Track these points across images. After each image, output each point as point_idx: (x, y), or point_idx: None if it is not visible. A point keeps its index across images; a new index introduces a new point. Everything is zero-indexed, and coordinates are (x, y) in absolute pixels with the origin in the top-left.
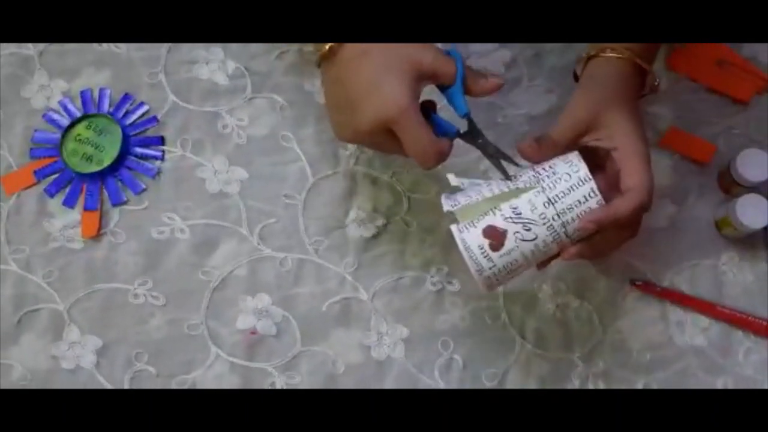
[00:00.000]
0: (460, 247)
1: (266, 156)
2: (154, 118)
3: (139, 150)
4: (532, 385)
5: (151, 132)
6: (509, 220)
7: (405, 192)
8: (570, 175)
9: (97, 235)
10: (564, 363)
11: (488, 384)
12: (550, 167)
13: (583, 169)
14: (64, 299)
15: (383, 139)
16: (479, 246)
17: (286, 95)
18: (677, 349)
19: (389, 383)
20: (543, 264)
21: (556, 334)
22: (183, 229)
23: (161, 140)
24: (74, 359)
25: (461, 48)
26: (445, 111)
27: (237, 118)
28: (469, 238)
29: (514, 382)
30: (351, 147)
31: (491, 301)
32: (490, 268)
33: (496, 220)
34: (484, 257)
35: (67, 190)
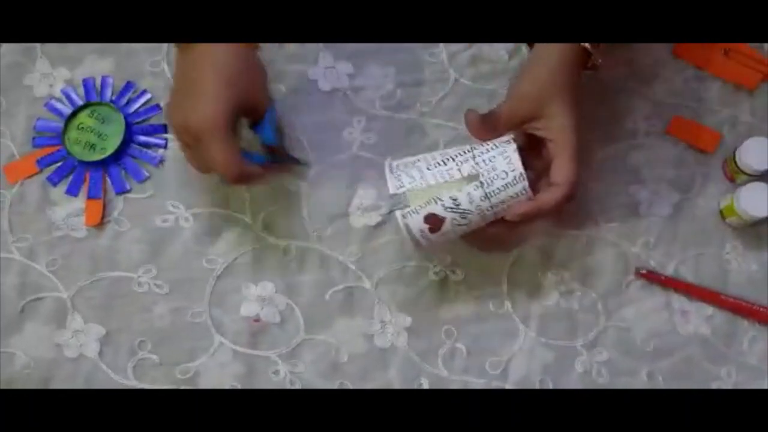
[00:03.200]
0: (403, 230)
1: None
2: (157, 106)
3: (142, 138)
4: (536, 373)
5: (154, 120)
6: (449, 210)
7: None
8: (507, 173)
9: (101, 224)
10: (568, 351)
11: (492, 372)
12: (490, 161)
13: (518, 169)
14: (68, 288)
15: (192, 142)
16: (420, 230)
17: (289, 83)
18: (681, 338)
19: (393, 372)
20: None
21: (560, 322)
22: (187, 218)
23: (164, 128)
24: (77, 348)
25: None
26: None
27: None
28: (412, 223)
29: (517, 370)
30: (355, 134)
31: (495, 289)
32: (426, 245)
33: (437, 209)
34: (423, 237)
35: (70, 178)
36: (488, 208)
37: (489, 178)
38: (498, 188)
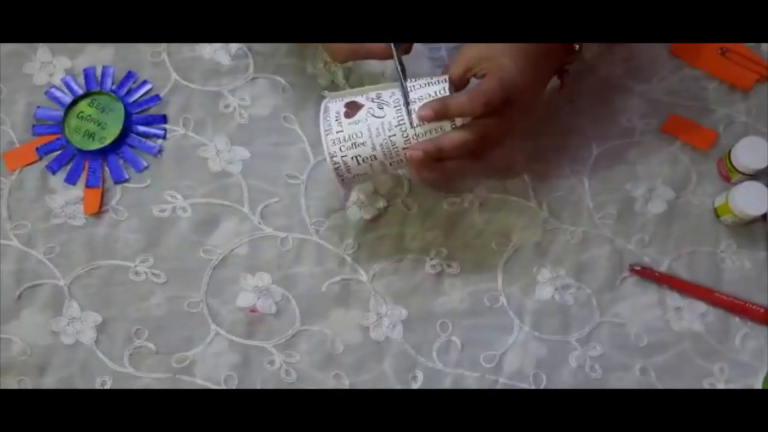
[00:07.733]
0: (321, 110)
1: (268, 136)
2: (157, 97)
3: (141, 128)
4: (530, 367)
5: (154, 110)
6: (369, 99)
7: (405, 175)
8: (431, 77)
9: (99, 212)
10: (562, 346)
11: (486, 365)
12: (420, 78)
13: (443, 76)
14: (65, 275)
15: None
16: (336, 111)
17: (288, 77)
18: (674, 334)
19: (387, 364)
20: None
21: (555, 317)
22: (184, 208)
23: (163, 119)
24: (74, 335)
25: None
26: None
27: (239, 97)
28: (332, 105)
29: (511, 364)
30: None
31: (490, 284)
32: (337, 132)
33: (359, 98)
34: (336, 121)
35: (69, 167)
36: (406, 105)
37: (416, 82)
38: (420, 84)
